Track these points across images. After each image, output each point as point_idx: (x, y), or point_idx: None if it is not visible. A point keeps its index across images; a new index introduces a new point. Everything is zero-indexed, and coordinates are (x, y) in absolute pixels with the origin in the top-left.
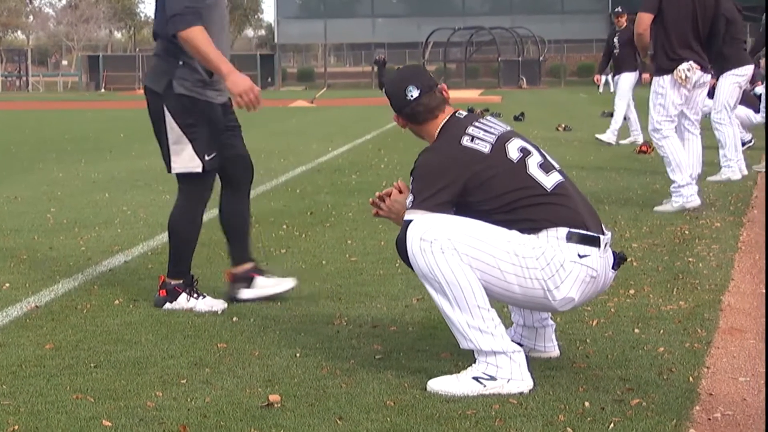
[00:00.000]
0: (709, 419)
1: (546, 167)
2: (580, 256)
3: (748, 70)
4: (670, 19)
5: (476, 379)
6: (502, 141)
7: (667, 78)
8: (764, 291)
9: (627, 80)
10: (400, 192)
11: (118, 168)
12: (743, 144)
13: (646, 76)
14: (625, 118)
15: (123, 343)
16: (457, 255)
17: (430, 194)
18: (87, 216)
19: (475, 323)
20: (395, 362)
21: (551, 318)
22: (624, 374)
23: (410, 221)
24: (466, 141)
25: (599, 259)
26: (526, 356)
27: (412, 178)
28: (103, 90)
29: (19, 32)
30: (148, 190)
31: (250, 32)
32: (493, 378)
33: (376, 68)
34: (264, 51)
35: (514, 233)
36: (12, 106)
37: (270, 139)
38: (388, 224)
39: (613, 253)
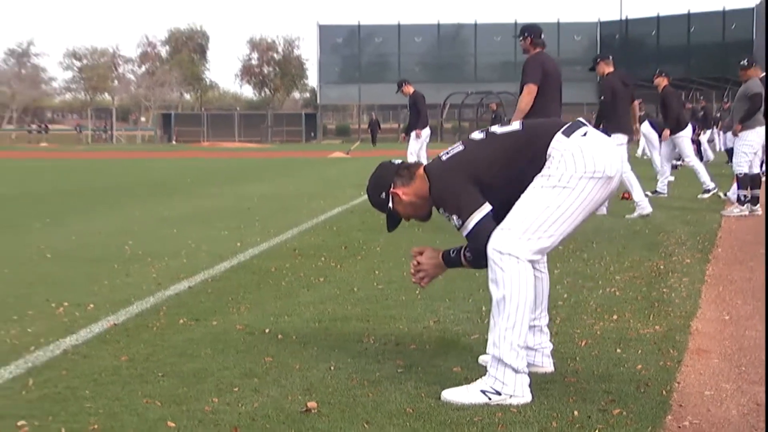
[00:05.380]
0: (679, 427)
1: (504, 125)
2: (583, 135)
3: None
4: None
5: (483, 392)
6: (467, 138)
7: None
8: (727, 318)
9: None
10: (421, 254)
11: (184, 207)
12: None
13: (419, 131)
14: None
15: (186, 356)
16: (528, 269)
17: (467, 200)
18: (158, 248)
19: (512, 338)
20: (414, 375)
21: (549, 339)
22: (607, 388)
23: (480, 229)
24: (444, 158)
25: (597, 132)
26: (528, 375)
27: (442, 208)
28: (174, 142)
29: (106, 94)
30: (209, 227)
31: (296, 95)
32: (498, 393)
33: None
34: (308, 110)
35: (548, 182)
36: (100, 155)
37: (312, 184)
38: (410, 257)
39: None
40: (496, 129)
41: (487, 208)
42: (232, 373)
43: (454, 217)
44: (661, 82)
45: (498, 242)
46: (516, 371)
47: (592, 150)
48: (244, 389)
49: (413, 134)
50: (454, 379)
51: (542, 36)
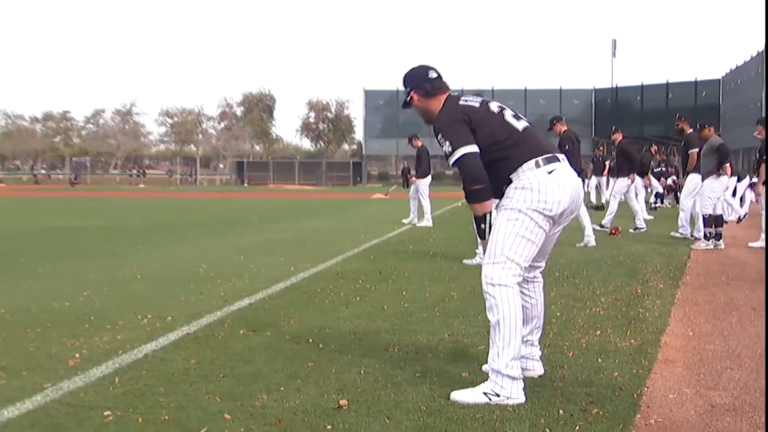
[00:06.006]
0: (646, 424)
1: (517, 117)
2: (549, 173)
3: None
4: None
5: (485, 393)
6: (485, 102)
7: None
8: (690, 334)
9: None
10: None
11: (251, 239)
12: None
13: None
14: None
15: (243, 361)
16: (515, 294)
17: (460, 136)
18: (226, 271)
19: (507, 353)
20: (429, 379)
21: (539, 349)
22: (588, 391)
23: (465, 160)
24: (461, 102)
25: (566, 169)
26: (523, 380)
27: (440, 134)
28: (246, 185)
29: (192, 145)
30: (269, 255)
31: (346, 146)
32: (497, 395)
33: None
34: (355, 159)
35: (511, 214)
36: (186, 195)
37: (356, 220)
38: (433, 280)
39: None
40: (507, 114)
41: (475, 148)
42: (280, 375)
43: (447, 143)
44: (618, 137)
45: (488, 275)
46: (513, 378)
47: (546, 188)
48: (289, 388)
49: (425, 180)
50: (462, 383)
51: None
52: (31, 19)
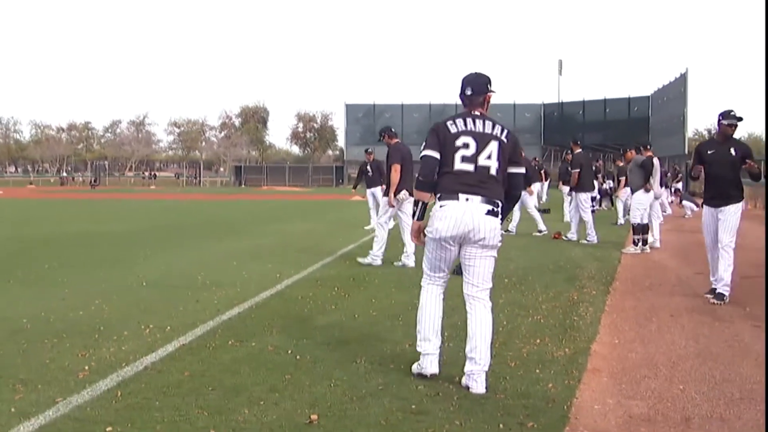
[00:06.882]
0: None
1: (468, 160)
2: (441, 207)
3: None
4: None
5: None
6: (462, 132)
7: None
8: (616, 342)
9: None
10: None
11: (245, 244)
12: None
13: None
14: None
15: (230, 373)
16: (426, 294)
17: (428, 141)
18: (221, 278)
19: (418, 334)
20: (389, 392)
21: (482, 369)
22: (526, 403)
23: (425, 158)
24: (449, 122)
25: (458, 206)
26: (439, 354)
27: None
28: (243, 186)
29: (196, 151)
30: (260, 261)
31: (330, 152)
32: (419, 366)
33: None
34: (338, 164)
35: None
36: (191, 196)
37: (333, 224)
38: (399, 287)
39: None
40: (459, 155)
41: (437, 155)
42: (261, 388)
43: (424, 143)
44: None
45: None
46: (423, 354)
47: (433, 218)
48: (268, 402)
49: (380, 189)
50: (417, 394)
51: (393, 130)
52: (58, 41)
